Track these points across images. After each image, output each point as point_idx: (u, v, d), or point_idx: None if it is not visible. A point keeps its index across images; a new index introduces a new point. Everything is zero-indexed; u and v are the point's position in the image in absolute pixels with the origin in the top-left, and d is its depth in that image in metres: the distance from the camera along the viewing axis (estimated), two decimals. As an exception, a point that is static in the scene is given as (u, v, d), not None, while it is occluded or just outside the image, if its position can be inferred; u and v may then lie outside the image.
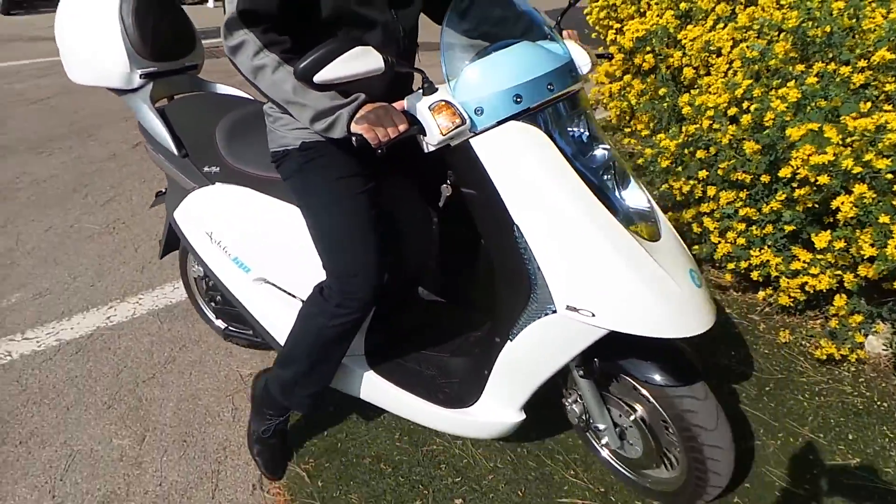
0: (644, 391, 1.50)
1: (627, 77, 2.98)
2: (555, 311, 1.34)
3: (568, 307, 1.32)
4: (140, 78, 1.97)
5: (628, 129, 3.22)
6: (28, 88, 5.86)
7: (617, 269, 1.28)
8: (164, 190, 2.21)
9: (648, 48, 2.84)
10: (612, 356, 1.49)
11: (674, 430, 1.49)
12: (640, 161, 2.84)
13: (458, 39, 1.38)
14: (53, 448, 1.91)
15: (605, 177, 1.42)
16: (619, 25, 3.24)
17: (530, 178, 1.31)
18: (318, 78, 1.17)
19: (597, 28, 3.85)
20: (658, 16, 2.92)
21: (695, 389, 1.43)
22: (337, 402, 2.03)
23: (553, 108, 1.36)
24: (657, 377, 1.44)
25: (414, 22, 1.59)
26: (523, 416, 1.57)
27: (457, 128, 1.27)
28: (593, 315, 1.30)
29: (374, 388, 1.74)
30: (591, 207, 1.31)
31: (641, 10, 3.34)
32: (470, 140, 1.32)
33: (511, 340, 1.45)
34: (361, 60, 1.17)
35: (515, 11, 1.46)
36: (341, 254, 1.51)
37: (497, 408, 1.57)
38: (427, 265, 1.85)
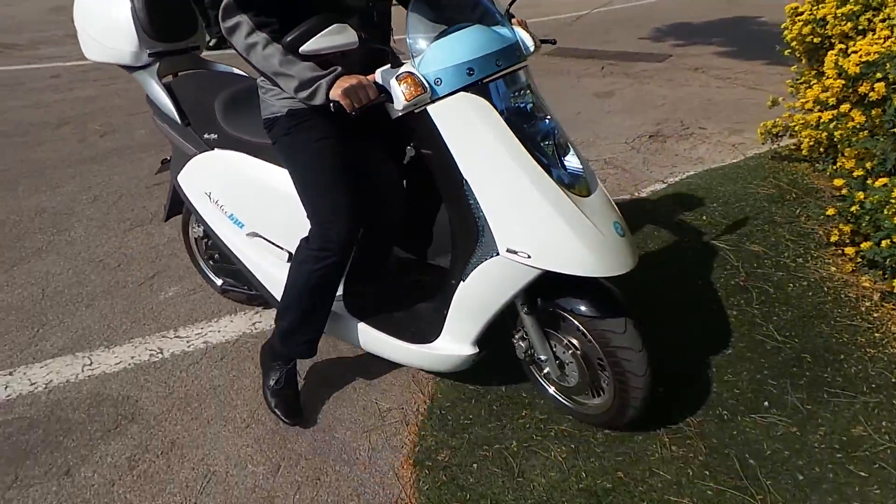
0: (577, 324, 1.68)
1: (844, 106, 2.48)
2: (497, 254, 1.56)
3: (508, 250, 1.54)
4: (148, 56, 2.16)
5: (832, 167, 2.70)
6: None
7: (549, 219, 1.50)
8: (168, 158, 2.39)
9: (879, 74, 2.33)
10: (551, 295, 1.69)
11: (602, 355, 1.67)
12: (852, 209, 2.35)
13: (422, 22, 1.59)
14: (191, 464, 1.83)
15: (546, 142, 1.61)
16: (843, 46, 2.72)
17: (476, 141, 1.53)
18: (302, 49, 1.41)
19: (793, 45, 3.32)
20: (891, 37, 2.40)
21: (618, 320, 1.62)
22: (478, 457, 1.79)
23: (500, 82, 1.56)
24: (587, 310, 1.64)
25: (387, 9, 1.82)
26: (476, 349, 1.77)
27: (419, 95, 1.49)
28: (529, 257, 1.52)
29: (352, 329, 1.94)
30: (528, 166, 1.51)
31: (860, 27, 2.80)
32: (427, 107, 1.53)
33: (464, 281, 1.66)
34: (339, 35, 1.40)
35: (472, 1, 1.67)
36: (321, 203, 1.71)
37: (454, 343, 1.77)
38: (398, 220, 1.99)
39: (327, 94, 1.50)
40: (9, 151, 4.17)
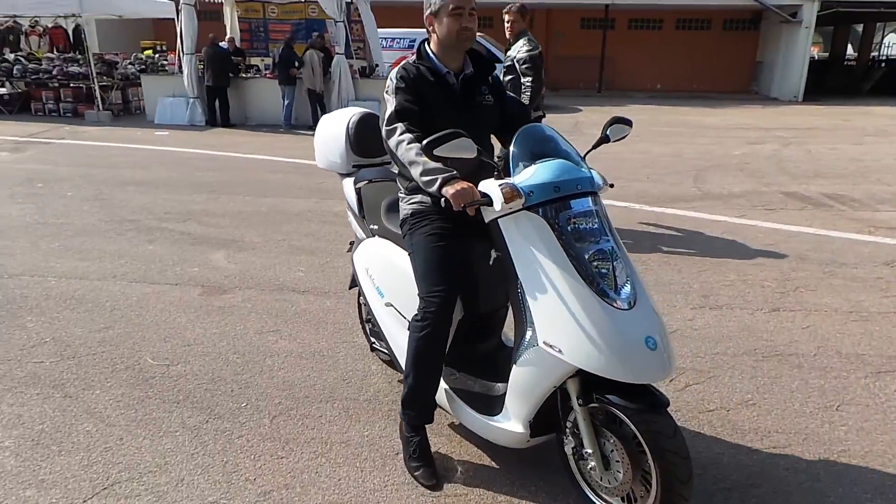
0: (629, 423, 1.84)
1: None
2: (537, 345, 1.89)
3: (545, 343, 1.87)
4: (352, 167, 2.95)
5: None
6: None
7: (580, 324, 1.79)
8: (353, 241, 3.06)
9: None
10: (602, 391, 1.87)
11: (648, 454, 1.81)
12: None
13: (522, 152, 2.00)
14: None
15: (598, 261, 1.88)
16: None
17: (531, 250, 1.90)
18: (436, 152, 1.87)
19: None
20: None
21: (663, 417, 1.81)
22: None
23: (570, 202, 1.92)
24: (632, 406, 1.81)
25: (489, 137, 2.43)
26: (526, 430, 2.03)
27: (515, 199, 1.87)
28: (561, 352, 1.82)
29: (442, 395, 2.32)
30: (570, 276, 1.84)
31: None
32: (498, 220, 1.96)
33: (516, 364, 1.99)
34: (463, 147, 1.87)
35: (558, 147, 2.07)
36: (424, 284, 2.18)
37: (509, 420, 2.07)
38: (497, 308, 2.45)
39: (441, 188, 1.97)
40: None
